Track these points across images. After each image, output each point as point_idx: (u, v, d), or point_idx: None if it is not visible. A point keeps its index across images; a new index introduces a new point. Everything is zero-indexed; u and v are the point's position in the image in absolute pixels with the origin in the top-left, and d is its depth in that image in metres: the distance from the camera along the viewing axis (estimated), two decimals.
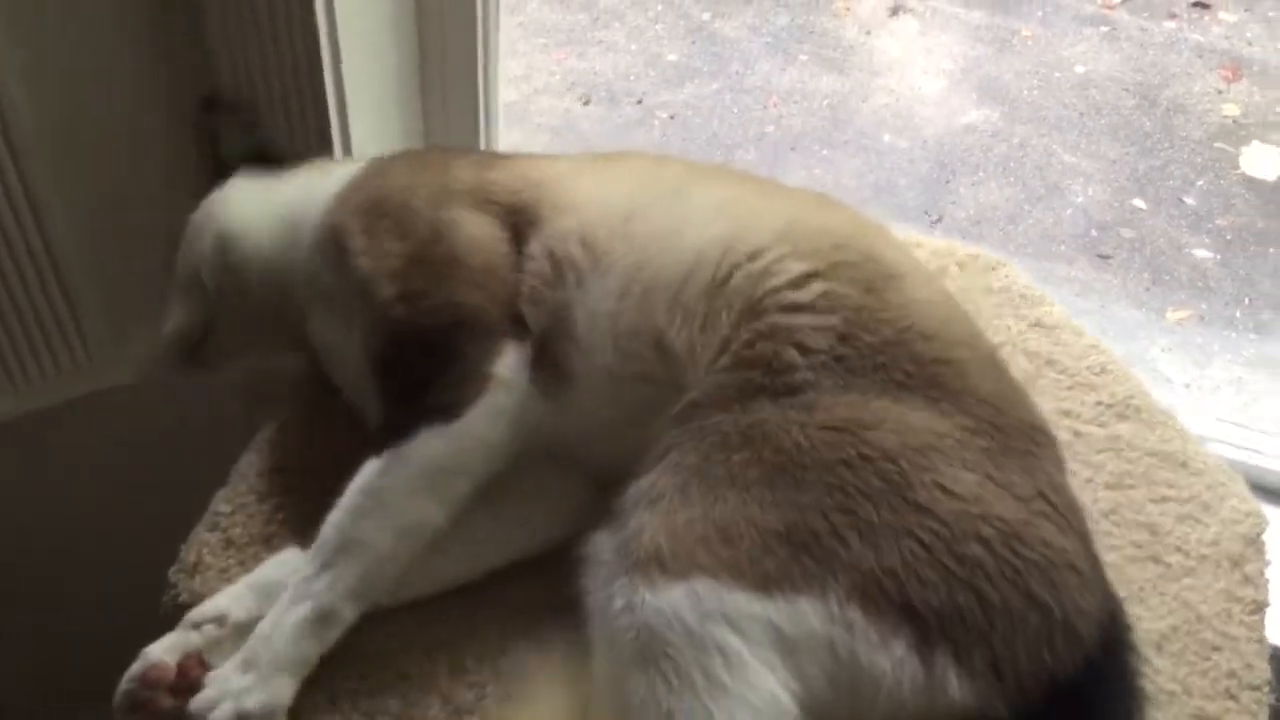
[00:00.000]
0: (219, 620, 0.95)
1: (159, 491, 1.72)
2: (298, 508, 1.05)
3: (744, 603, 0.79)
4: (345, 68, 1.36)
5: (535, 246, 1.03)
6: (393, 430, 0.96)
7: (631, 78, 3.14)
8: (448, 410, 0.95)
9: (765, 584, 0.80)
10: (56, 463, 1.66)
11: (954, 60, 3.27)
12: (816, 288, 0.95)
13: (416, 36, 1.52)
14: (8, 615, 1.67)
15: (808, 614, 0.79)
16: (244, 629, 0.94)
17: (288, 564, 0.98)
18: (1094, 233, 2.77)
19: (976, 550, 0.81)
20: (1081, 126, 3.05)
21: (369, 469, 0.95)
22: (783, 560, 0.81)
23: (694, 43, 3.30)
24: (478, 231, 1.03)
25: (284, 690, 0.90)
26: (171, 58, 1.42)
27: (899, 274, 0.99)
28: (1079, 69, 3.20)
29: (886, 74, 3.24)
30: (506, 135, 1.71)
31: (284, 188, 1.18)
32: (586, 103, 3.06)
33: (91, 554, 1.72)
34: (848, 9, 3.43)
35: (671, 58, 3.26)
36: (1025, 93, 3.14)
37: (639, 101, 3.11)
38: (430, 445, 0.95)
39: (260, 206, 1.17)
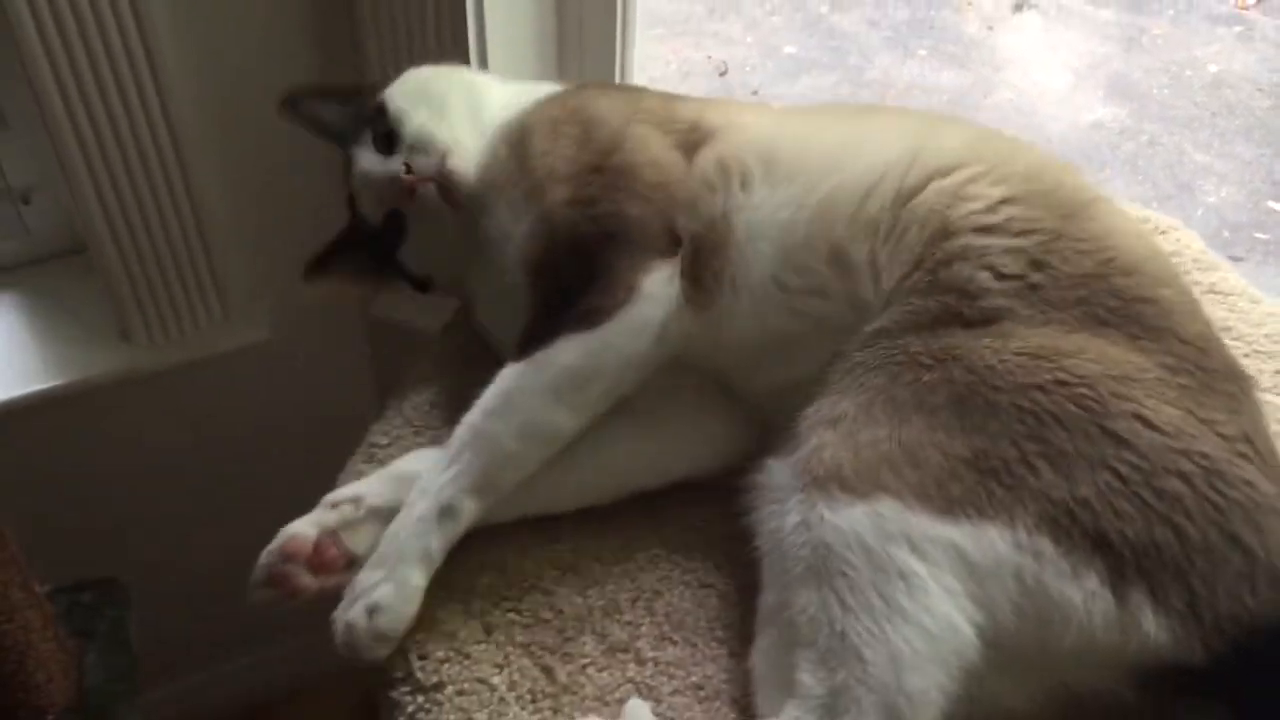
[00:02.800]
0: (355, 502, 0.95)
1: (289, 444, 1.74)
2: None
3: (928, 526, 0.76)
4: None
5: (706, 154, 1.02)
6: (535, 337, 0.95)
7: (748, 69, 3.10)
8: (589, 318, 0.94)
9: (950, 508, 0.76)
10: (195, 414, 1.67)
11: (1080, 57, 3.18)
12: (1009, 211, 0.91)
13: (556, 30, 1.53)
14: (140, 562, 1.68)
15: (994, 540, 0.75)
16: (379, 514, 0.94)
17: (426, 458, 0.98)
18: (1226, 234, 2.66)
19: (1177, 485, 0.76)
20: (1214, 126, 2.94)
21: (506, 372, 0.95)
22: (970, 485, 0.77)
23: (812, 35, 3.26)
24: (655, 148, 1.02)
25: (410, 582, 0.89)
26: (322, 42, 1.45)
27: (1092, 201, 0.95)
28: (1212, 68, 3.09)
29: (1009, 70, 3.16)
30: None
31: (492, 96, 1.16)
32: (723, 74, 3.03)
33: (222, 505, 1.73)
34: (970, 3, 3.36)
35: (789, 50, 3.21)
36: (1155, 91, 3.04)
37: (755, 93, 3.07)
38: (566, 351, 0.94)
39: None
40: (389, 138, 1.09)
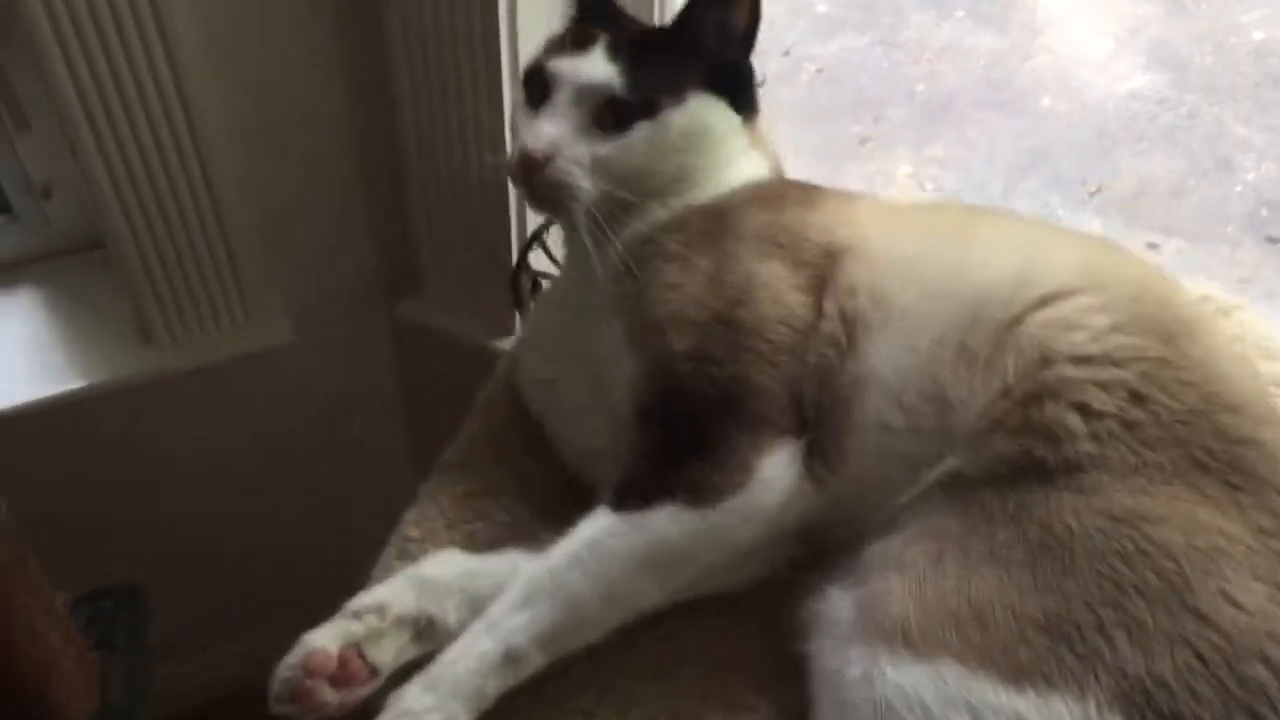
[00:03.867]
0: (380, 611, 0.90)
1: (310, 448, 1.72)
2: (486, 534, 0.99)
3: (991, 693, 0.72)
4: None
5: (829, 305, 0.92)
6: (635, 488, 0.88)
7: (779, 28, 3.00)
8: (700, 494, 0.86)
9: (1017, 675, 0.72)
10: (216, 417, 1.64)
11: (1121, 20, 3.06)
12: (1115, 340, 0.85)
13: None
14: (159, 564, 1.67)
15: (1062, 714, 0.71)
16: (404, 623, 0.90)
17: (449, 563, 0.93)
18: (1264, 212, 2.58)
19: (1260, 671, 0.71)
20: (1256, 97, 2.84)
21: (599, 523, 0.88)
22: (1039, 652, 0.72)
23: None
24: (786, 297, 0.92)
25: (457, 718, 0.85)
26: (347, 43, 1.39)
27: (1195, 320, 0.89)
28: (1256, 35, 2.98)
29: (1048, 32, 3.05)
30: None
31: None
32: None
33: (241, 507, 1.71)
34: None
35: (821, 8, 3.11)
36: (1197, 59, 2.93)
37: (786, 53, 2.98)
38: (670, 525, 0.86)
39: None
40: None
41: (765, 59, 3.02)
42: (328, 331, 1.62)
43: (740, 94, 1.03)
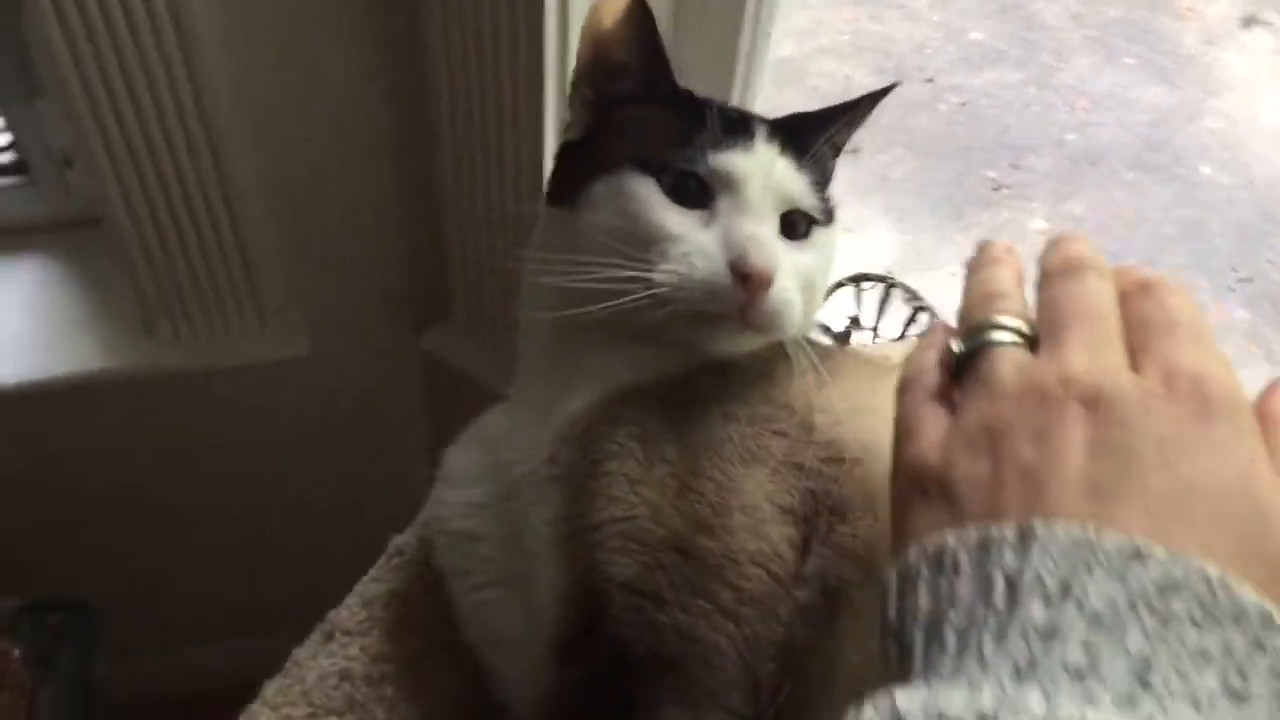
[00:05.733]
0: None
1: (314, 467, 1.57)
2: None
3: None
4: None
5: (811, 564, 0.64)
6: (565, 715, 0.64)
7: (927, 51, 2.74)
8: None
9: None
10: (213, 423, 1.50)
11: None
12: None
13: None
14: (131, 570, 1.55)
15: None
16: None
17: None
18: None
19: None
20: None
21: None
22: None
23: (1004, 23, 2.86)
24: (770, 531, 0.64)
25: None
26: (382, 38, 1.21)
27: None
28: None
29: (1223, 95, 2.73)
30: (775, 96, 1.39)
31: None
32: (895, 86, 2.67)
33: (229, 522, 1.58)
34: (1191, 10, 2.91)
35: (976, 36, 2.83)
36: None
37: (930, 80, 2.72)
38: None
39: None
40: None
41: (907, 83, 2.76)
42: (348, 350, 1.46)
43: None
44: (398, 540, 0.82)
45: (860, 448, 0.65)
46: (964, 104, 2.71)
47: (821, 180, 0.73)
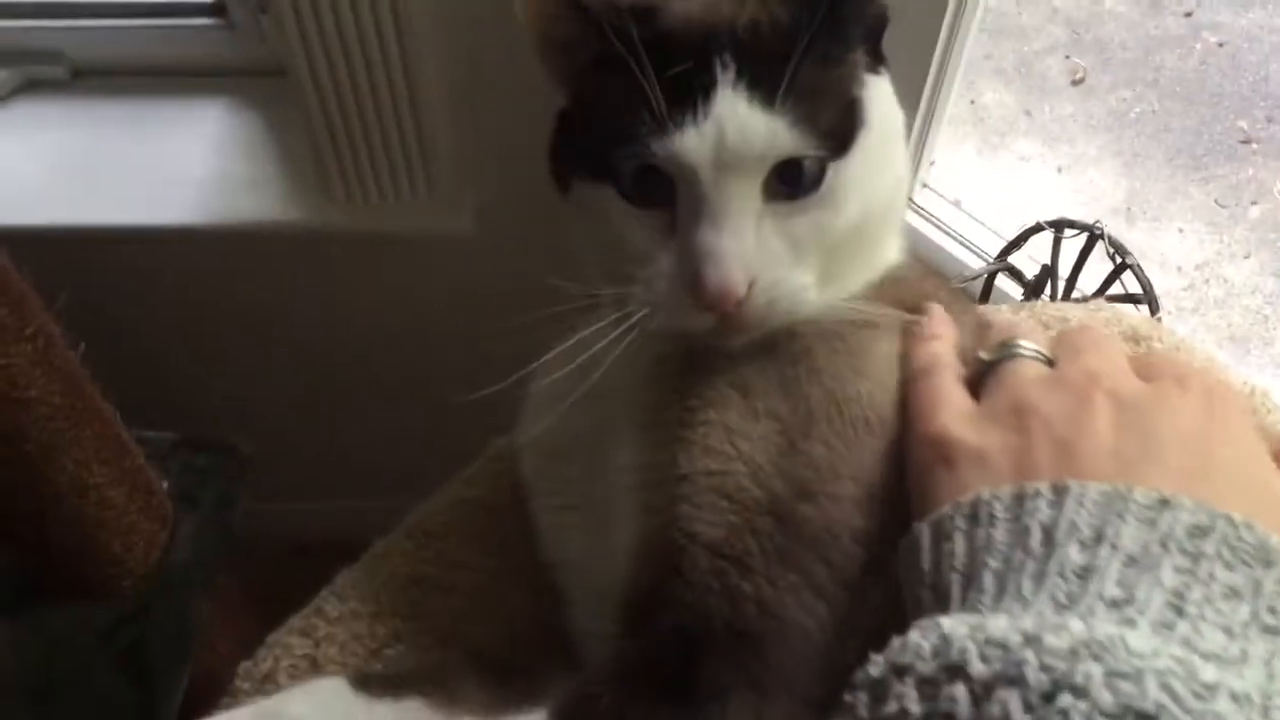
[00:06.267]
0: None
1: (459, 346, 1.56)
2: (403, 664, 0.69)
3: None
4: None
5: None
6: (599, 710, 0.55)
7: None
8: None
9: None
10: (368, 289, 1.50)
11: None
12: None
13: None
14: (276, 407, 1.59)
15: None
16: None
17: (322, 701, 0.63)
18: None
19: None
20: None
21: None
22: None
23: None
24: (881, 510, 0.56)
25: None
26: None
27: None
28: None
29: None
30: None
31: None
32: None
33: (369, 389, 1.59)
34: None
35: None
36: None
37: (1188, 15, 2.46)
38: None
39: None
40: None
41: (1160, 14, 2.51)
42: (511, 235, 1.43)
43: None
44: (498, 444, 0.78)
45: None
46: (1222, 44, 2.45)
47: (827, 101, 0.57)
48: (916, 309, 0.61)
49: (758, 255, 0.56)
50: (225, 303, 1.48)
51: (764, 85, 0.55)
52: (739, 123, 0.55)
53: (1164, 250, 2.16)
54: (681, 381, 0.59)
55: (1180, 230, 2.21)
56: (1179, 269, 2.14)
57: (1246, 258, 2.17)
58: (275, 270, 1.45)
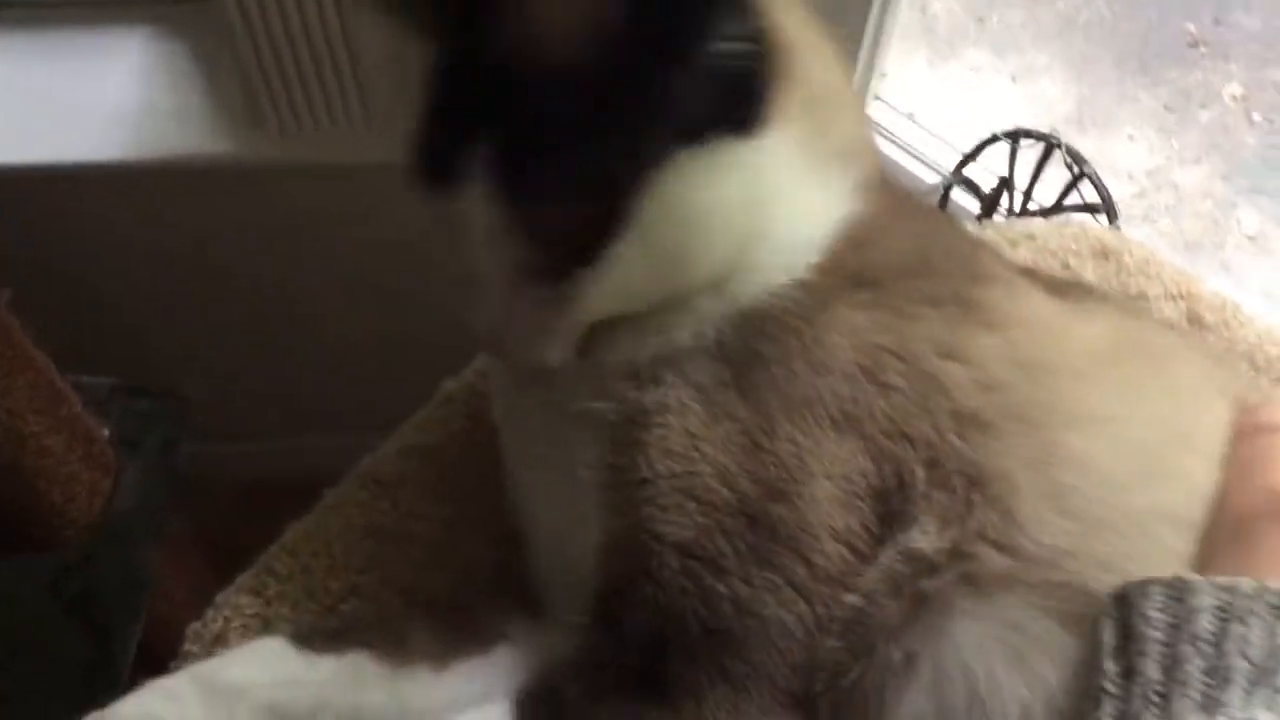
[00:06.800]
0: None
1: (418, 271, 1.52)
2: (358, 616, 0.67)
3: None
4: None
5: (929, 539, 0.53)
6: (550, 710, 0.55)
7: None
8: None
9: None
10: (328, 217, 1.46)
11: None
12: None
13: None
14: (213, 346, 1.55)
15: None
16: None
17: (263, 661, 0.61)
18: None
19: None
20: None
21: None
22: None
23: None
24: (857, 506, 0.54)
25: None
26: None
27: None
28: None
29: None
30: None
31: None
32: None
33: (309, 309, 1.56)
34: None
35: None
36: None
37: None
38: None
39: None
40: None
41: None
42: None
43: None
44: (449, 387, 0.75)
45: (1018, 418, 0.54)
46: None
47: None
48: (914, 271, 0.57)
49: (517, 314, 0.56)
50: (157, 241, 1.42)
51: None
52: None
53: (1114, 157, 2.15)
54: (637, 382, 0.56)
55: (1130, 137, 2.19)
56: (1129, 176, 2.12)
57: (1196, 163, 2.16)
58: (207, 206, 1.39)
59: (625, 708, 0.53)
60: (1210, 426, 0.57)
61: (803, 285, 0.56)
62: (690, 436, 0.54)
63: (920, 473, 0.53)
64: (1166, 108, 2.24)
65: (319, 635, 0.60)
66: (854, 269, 0.56)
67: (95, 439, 1.18)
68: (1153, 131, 2.22)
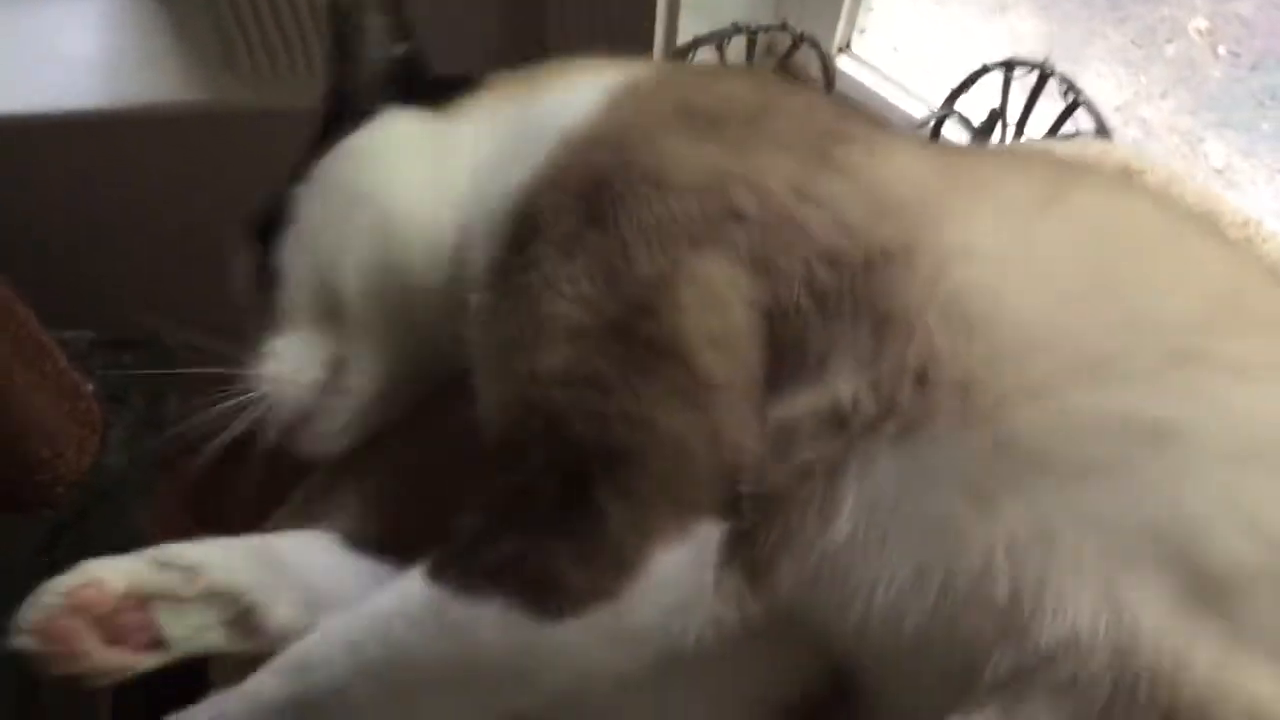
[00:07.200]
0: (189, 572, 0.64)
1: None
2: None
3: None
4: None
5: (890, 366, 0.54)
6: (462, 558, 0.56)
7: None
8: (545, 597, 0.54)
9: None
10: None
11: None
12: None
13: None
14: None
15: None
16: (214, 599, 0.64)
17: (315, 552, 0.66)
18: None
19: None
20: None
21: (411, 595, 0.56)
22: None
23: None
24: (731, 309, 0.57)
25: None
26: None
27: None
28: None
29: None
30: None
31: (479, 129, 0.71)
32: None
33: None
34: None
35: None
36: None
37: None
38: (493, 634, 0.55)
39: (437, 165, 0.71)
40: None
41: None
42: None
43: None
44: None
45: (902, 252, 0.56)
46: None
47: None
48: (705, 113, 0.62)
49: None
50: (130, 192, 1.38)
51: None
52: None
53: (1084, 91, 2.16)
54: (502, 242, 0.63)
55: (1099, 74, 2.20)
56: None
57: (1163, 97, 2.17)
58: (181, 154, 1.36)
59: (531, 541, 0.54)
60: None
61: (618, 117, 0.63)
62: (546, 282, 0.58)
63: (807, 302, 0.55)
64: (1134, 43, 2.25)
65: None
66: (671, 113, 0.63)
67: (81, 395, 1.15)
68: (1121, 67, 2.22)
